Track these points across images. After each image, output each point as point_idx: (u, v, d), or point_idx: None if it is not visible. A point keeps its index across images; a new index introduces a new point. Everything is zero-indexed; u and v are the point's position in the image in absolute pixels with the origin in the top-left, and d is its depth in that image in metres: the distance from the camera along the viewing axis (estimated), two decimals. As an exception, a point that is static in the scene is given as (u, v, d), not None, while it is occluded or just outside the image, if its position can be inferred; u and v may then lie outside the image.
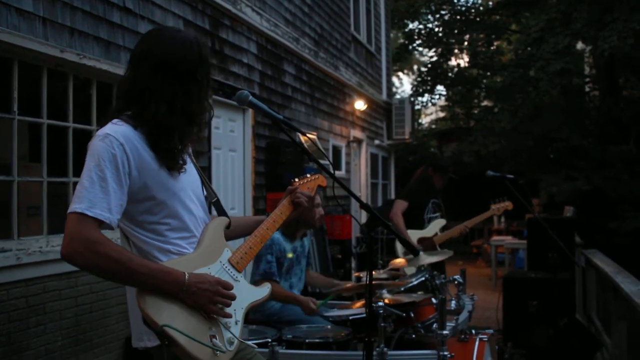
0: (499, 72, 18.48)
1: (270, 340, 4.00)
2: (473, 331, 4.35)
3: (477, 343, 4.15)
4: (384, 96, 16.24)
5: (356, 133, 13.48)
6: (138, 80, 2.29)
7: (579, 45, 16.67)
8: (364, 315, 4.26)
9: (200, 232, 2.41)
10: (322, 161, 2.74)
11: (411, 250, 2.89)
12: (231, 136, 8.05)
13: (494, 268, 12.75)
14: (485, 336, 4.26)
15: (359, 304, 4.84)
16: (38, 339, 4.77)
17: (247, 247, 2.52)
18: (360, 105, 13.47)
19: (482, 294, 9.55)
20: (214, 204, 2.58)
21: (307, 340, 4.07)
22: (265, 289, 2.55)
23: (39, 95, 4.99)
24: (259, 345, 4.00)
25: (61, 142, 5.22)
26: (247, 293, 2.44)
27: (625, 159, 14.25)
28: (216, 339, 2.21)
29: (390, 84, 17.80)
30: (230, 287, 2.28)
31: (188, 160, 2.44)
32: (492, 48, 18.65)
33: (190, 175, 2.43)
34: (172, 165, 2.30)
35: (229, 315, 2.28)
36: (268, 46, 8.89)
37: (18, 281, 4.61)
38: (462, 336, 4.24)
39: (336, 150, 12.22)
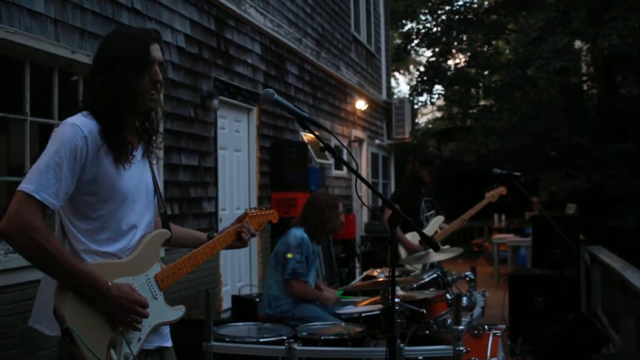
0: (497, 71, 18.53)
1: (285, 337, 4.04)
2: (486, 327, 4.39)
3: (490, 338, 4.19)
4: (384, 96, 16.28)
5: (357, 133, 13.52)
6: (89, 79, 2.41)
7: (577, 43, 16.73)
8: (377, 312, 4.29)
9: (137, 239, 2.43)
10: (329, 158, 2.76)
11: (432, 245, 2.91)
12: (236, 136, 8.08)
13: (496, 266, 12.80)
14: (498, 331, 4.30)
15: (368, 301, 4.88)
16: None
17: (177, 267, 2.53)
18: (361, 105, 13.51)
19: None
20: (160, 215, 2.61)
21: (322, 337, 4.10)
22: (179, 312, 2.53)
23: (50, 96, 5.02)
24: (275, 342, 4.05)
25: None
26: (161, 312, 2.45)
27: (624, 156, 14.31)
28: (114, 350, 2.24)
29: (389, 84, 17.85)
30: (146, 306, 2.32)
31: (146, 164, 2.51)
32: (490, 48, 18.69)
33: (144, 178, 2.48)
34: (121, 156, 2.33)
35: (138, 329, 2.32)
36: (272, 47, 8.93)
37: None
38: (476, 332, 4.28)
39: (338, 150, 12.24)
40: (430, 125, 28.51)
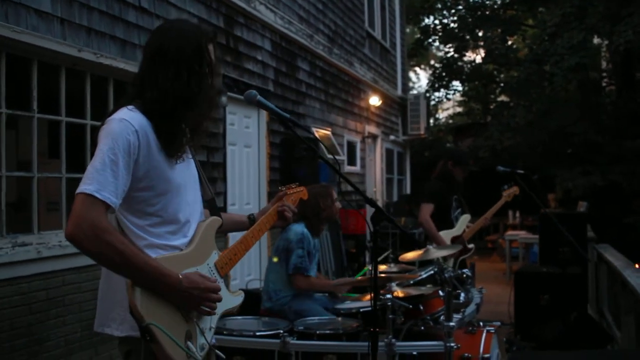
0: (514, 67, 18.46)
1: (282, 331, 4.12)
2: (481, 323, 4.43)
3: (484, 335, 4.23)
4: (399, 92, 16.29)
5: (371, 128, 13.56)
6: (138, 73, 2.38)
7: (596, 39, 16.60)
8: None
9: (193, 230, 2.42)
10: (330, 156, 2.82)
11: (416, 244, 2.98)
12: (246, 132, 8.16)
13: (508, 262, 12.78)
14: (492, 328, 4.33)
15: (369, 296, 4.94)
16: (58, 330, 4.92)
17: (232, 253, 2.52)
18: (374, 100, 13.53)
19: (496, 289, 9.62)
20: (209, 202, 2.60)
21: (317, 332, 4.16)
22: (239, 298, 2.51)
23: (57, 93, 5.13)
24: (272, 336, 4.13)
25: (79, 139, 5.36)
26: (226, 299, 2.43)
27: (640, 153, 14.21)
28: (191, 342, 2.24)
29: (405, 80, 17.84)
30: (218, 290, 2.31)
31: (188, 154, 2.47)
32: (507, 44, 18.61)
33: (190, 170, 2.47)
34: (172, 150, 2.31)
35: (213, 314, 2.34)
36: (282, 43, 8.99)
37: (38, 274, 4.76)
38: (470, 328, 4.32)
39: (351, 146, 12.29)
40: (450, 121, 28.46)
